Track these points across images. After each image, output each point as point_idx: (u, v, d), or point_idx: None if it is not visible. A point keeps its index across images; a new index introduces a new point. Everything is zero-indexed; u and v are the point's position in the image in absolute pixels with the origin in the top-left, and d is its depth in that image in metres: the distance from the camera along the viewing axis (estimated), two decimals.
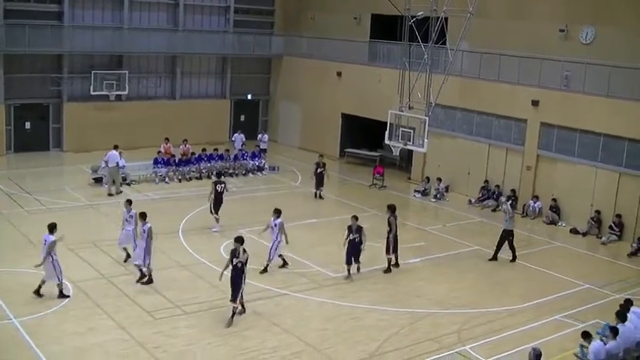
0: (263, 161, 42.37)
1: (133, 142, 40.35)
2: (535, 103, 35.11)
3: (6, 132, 42.60)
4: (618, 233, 32.05)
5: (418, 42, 33.09)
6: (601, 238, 32.33)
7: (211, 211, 30.61)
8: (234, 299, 21.16)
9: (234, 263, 21.11)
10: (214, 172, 36.59)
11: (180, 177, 38.68)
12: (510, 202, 31.17)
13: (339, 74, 46.90)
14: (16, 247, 26.50)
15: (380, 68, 43.17)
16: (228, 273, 21.36)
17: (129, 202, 25.70)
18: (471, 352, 20.19)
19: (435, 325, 22.08)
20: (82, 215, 31.77)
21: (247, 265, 21.31)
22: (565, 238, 32.54)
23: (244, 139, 43.94)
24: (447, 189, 38.85)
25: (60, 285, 22.16)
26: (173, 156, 39.51)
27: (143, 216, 23.84)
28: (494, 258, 28.80)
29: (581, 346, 18.65)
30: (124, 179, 37.08)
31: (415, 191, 39.36)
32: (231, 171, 40.76)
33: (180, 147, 40.25)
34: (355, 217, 25.72)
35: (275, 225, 25.68)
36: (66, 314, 21.19)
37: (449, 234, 32.04)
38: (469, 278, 26.58)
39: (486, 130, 38.09)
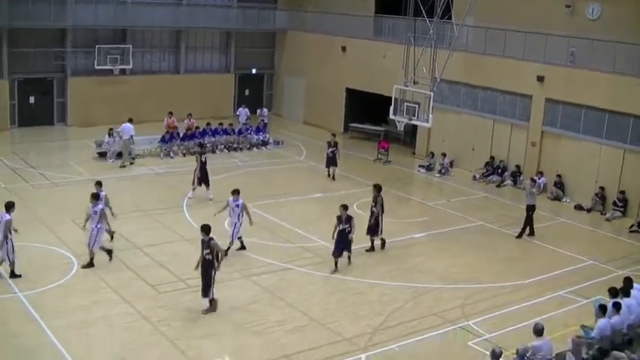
0: (267, 135, 42.34)
1: (137, 116, 40.18)
2: (540, 78, 34.99)
3: (10, 106, 42.56)
4: (622, 209, 32.02)
5: (423, 17, 33.02)
6: (605, 214, 32.31)
7: (194, 185, 31.20)
8: (204, 294, 20.08)
9: (203, 254, 20.00)
10: (197, 144, 36.81)
11: (184, 151, 38.66)
12: (533, 178, 31.06)
13: (343, 49, 46.74)
14: (22, 221, 26.46)
15: (385, 43, 42.99)
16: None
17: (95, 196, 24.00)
18: (474, 327, 20.25)
19: (438, 300, 22.14)
20: (86, 189, 31.45)
21: (220, 255, 20.28)
22: (569, 214, 32.53)
23: (249, 114, 43.90)
24: (451, 164, 38.81)
25: (12, 265, 21.61)
26: (176, 127, 39.44)
27: (95, 197, 23.51)
28: (532, 233, 28.85)
29: (583, 326, 18.70)
30: (129, 153, 37.10)
31: (420, 166, 39.35)
32: (235, 145, 40.76)
33: (185, 121, 40.24)
34: (344, 207, 24.06)
35: (237, 206, 24.33)
36: (70, 288, 21.27)
37: (453, 209, 32.05)
38: (473, 253, 26.60)
39: (491, 105, 37.99)
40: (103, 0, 44.50)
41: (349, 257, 24.34)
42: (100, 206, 23.11)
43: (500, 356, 15.69)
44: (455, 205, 32.84)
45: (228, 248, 24.21)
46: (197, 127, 40.01)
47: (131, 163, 36.34)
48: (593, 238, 30.00)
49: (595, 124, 33.45)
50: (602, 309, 18.20)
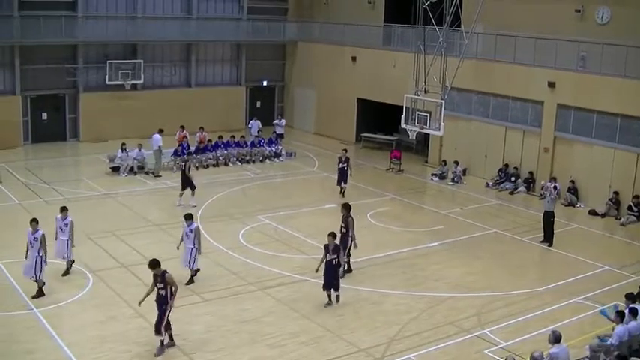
0: (280, 147, 42.37)
1: (149, 130, 40.39)
2: (551, 84, 34.91)
3: (23, 123, 42.79)
4: (637, 214, 31.86)
5: (433, 25, 33.06)
6: (620, 219, 32.15)
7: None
8: (157, 331, 18.47)
9: (157, 289, 18.50)
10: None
11: (197, 165, 38.72)
12: (555, 185, 30.91)
13: (353, 59, 46.81)
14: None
15: (395, 52, 43.06)
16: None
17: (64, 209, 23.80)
18: (490, 336, 20.18)
19: (454, 309, 22.06)
20: (99, 205, 31.90)
21: (174, 289, 18.50)
22: (583, 220, 32.41)
23: (260, 126, 43.97)
24: (464, 172, 38.75)
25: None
26: (186, 139, 39.40)
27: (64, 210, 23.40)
28: (549, 242, 28.62)
29: (598, 336, 18.62)
30: (142, 168, 37.23)
31: (432, 175, 39.28)
32: (248, 158, 40.82)
33: (197, 135, 40.32)
34: (332, 235, 22.05)
35: (190, 231, 22.85)
36: (86, 303, 21.32)
37: (467, 217, 31.98)
38: (487, 261, 26.53)
39: (502, 112, 37.92)
40: (113, 15, 44.82)
41: (337, 296, 22.06)
42: (41, 232, 21.75)
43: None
44: (468, 213, 32.77)
45: (192, 275, 23.11)
46: (209, 141, 40.06)
47: (156, 175, 37.03)
48: (608, 244, 29.87)
49: (607, 129, 33.34)
50: (620, 315, 18.13)
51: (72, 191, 33.41)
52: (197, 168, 38.33)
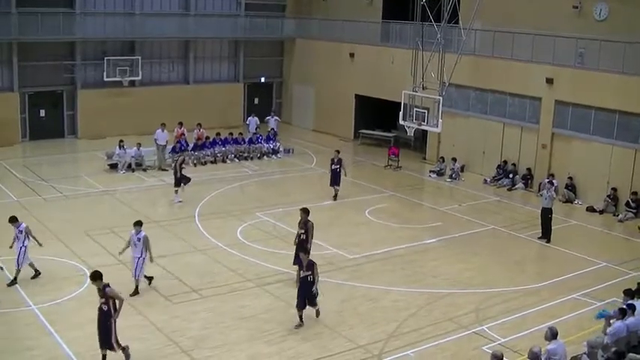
0: (277, 144, 42.37)
1: (147, 127, 40.39)
2: (549, 80, 34.92)
3: (21, 120, 42.75)
4: (635, 211, 31.87)
5: (431, 22, 33.03)
6: (618, 215, 32.19)
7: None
8: (110, 347, 17.49)
9: (100, 303, 17.49)
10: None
11: (195, 161, 38.74)
12: (551, 181, 30.92)
13: (351, 55, 46.79)
14: (34, 234, 26.57)
15: (393, 48, 43.08)
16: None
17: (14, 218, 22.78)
18: (488, 332, 20.20)
19: (452, 305, 22.09)
20: (97, 201, 31.90)
21: (119, 303, 17.51)
22: (581, 216, 32.44)
23: (258, 123, 43.92)
24: (462, 169, 38.76)
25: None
26: (184, 135, 39.52)
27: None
28: (547, 239, 28.61)
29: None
30: (139, 165, 37.23)
31: (430, 171, 39.29)
32: (246, 154, 40.82)
33: (195, 131, 40.29)
34: (307, 252, 21.34)
35: (138, 239, 21.63)
36: (84, 300, 21.24)
37: (465, 214, 32.00)
38: (486, 258, 26.55)
39: (500, 109, 37.93)
40: (112, 12, 44.79)
41: (317, 311, 20.72)
42: (23, 225, 22.51)
43: (502, 358, 15.62)
44: (467, 209, 32.79)
45: (137, 286, 21.89)
46: (207, 137, 40.05)
47: (162, 169, 37.55)
48: (606, 240, 29.89)
49: (605, 125, 33.36)
50: (621, 312, 18.17)
51: (70, 188, 33.39)
52: (195, 165, 38.38)
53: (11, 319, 19.82)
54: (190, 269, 24.04)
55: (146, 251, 21.69)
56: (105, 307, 17.32)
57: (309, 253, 21.74)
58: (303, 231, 23.19)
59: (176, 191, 32.06)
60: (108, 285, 17.40)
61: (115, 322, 17.41)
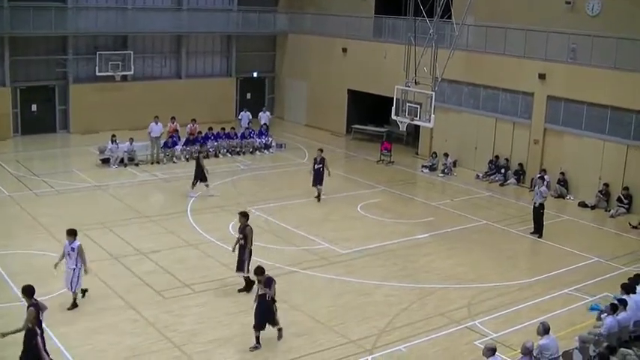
0: (270, 139, 42.33)
1: (139, 122, 40.34)
2: (542, 76, 34.94)
3: (13, 115, 42.59)
4: (627, 206, 31.96)
5: (423, 17, 33.01)
6: (609, 211, 32.25)
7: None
8: None
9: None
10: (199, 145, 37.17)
11: (187, 156, 38.69)
12: (542, 176, 30.95)
13: (344, 50, 46.76)
14: (26, 229, 26.59)
15: (385, 44, 43.05)
16: None
17: None
18: (480, 327, 20.24)
19: (444, 300, 22.12)
20: (90, 196, 31.84)
21: (42, 323, 16.46)
22: (573, 212, 32.50)
23: (250, 117, 43.88)
24: (454, 164, 38.79)
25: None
26: (176, 131, 39.57)
27: None
28: (539, 234, 28.69)
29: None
30: (132, 159, 37.17)
31: (423, 166, 39.31)
32: (238, 149, 40.79)
33: (188, 126, 40.22)
34: (260, 270, 18.98)
35: (72, 249, 20.27)
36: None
37: (457, 209, 32.03)
38: (477, 253, 26.59)
39: (493, 104, 37.96)
40: (104, 7, 44.67)
41: (279, 331, 19.27)
42: None
43: (495, 350, 15.66)
44: (459, 204, 32.82)
45: (74, 299, 20.61)
46: (199, 132, 39.99)
47: (155, 162, 37.75)
48: (598, 235, 29.95)
49: (597, 121, 33.41)
50: (613, 308, 18.23)
51: (62, 183, 33.32)
52: (187, 159, 38.30)
53: (3, 314, 19.74)
54: (182, 264, 24.01)
55: (81, 262, 20.31)
56: (30, 325, 16.11)
57: (249, 259, 21.76)
58: (241, 236, 22.02)
59: (193, 186, 32.09)
60: (35, 302, 16.30)
61: (41, 341, 16.23)
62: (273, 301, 18.94)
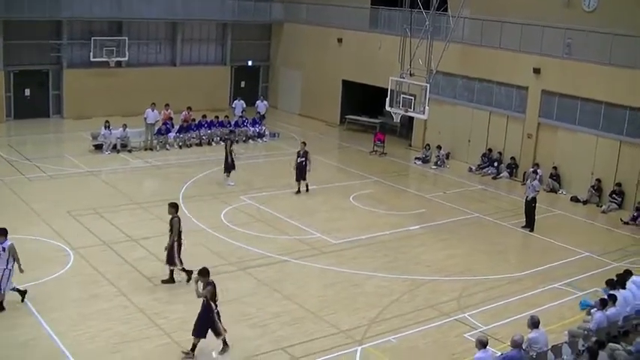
0: (263, 128, 42.29)
1: (133, 108, 40.26)
2: (536, 70, 34.97)
3: (6, 99, 42.44)
4: (619, 201, 32.03)
5: (419, 9, 32.99)
6: (601, 206, 32.32)
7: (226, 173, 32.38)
8: None
9: None
10: (228, 132, 37.27)
11: (180, 143, 38.65)
12: (538, 176, 30.99)
13: (339, 41, 46.71)
14: (18, 214, 26.51)
15: (381, 35, 42.98)
16: None
17: None
18: (470, 319, 20.29)
19: (434, 292, 22.16)
20: (82, 182, 31.78)
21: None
22: (565, 206, 32.56)
23: (244, 106, 43.87)
24: (447, 156, 38.81)
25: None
26: (171, 119, 39.49)
27: None
28: (531, 228, 28.74)
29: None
30: (125, 146, 37.09)
31: (416, 158, 39.33)
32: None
33: (183, 113, 40.13)
34: (204, 272, 17.70)
35: (3, 249, 19.04)
36: (67, 281, 21.28)
37: (449, 201, 32.06)
38: (469, 245, 26.62)
39: (487, 97, 37.98)
40: None
41: (223, 342, 17.88)
42: None
43: (487, 344, 15.71)
44: (451, 197, 32.84)
45: (1, 303, 19.32)
46: (193, 120, 39.93)
47: (148, 149, 37.86)
48: (589, 230, 30.00)
49: (591, 116, 33.45)
50: (602, 303, 18.29)
51: (54, 168, 33.26)
52: (180, 147, 38.34)
53: None
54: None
55: (14, 261, 19.19)
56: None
57: (179, 251, 21.21)
58: (170, 227, 21.36)
59: (227, 175, 32.21)
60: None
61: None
62: (213, 306, 17.44)
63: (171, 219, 21.33)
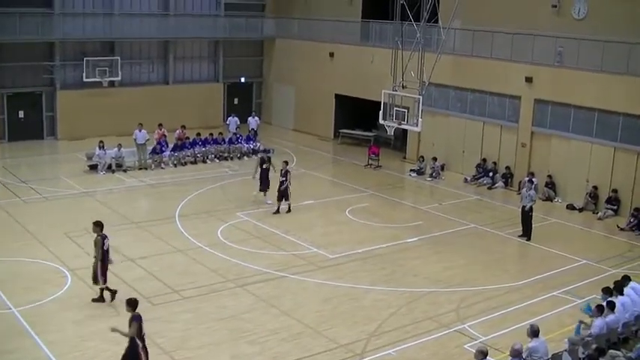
0: (257, 144, 42.30)
1: (127, 128, 40.21)
2: (529, 79, 35.06)
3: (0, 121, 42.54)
4: (615, 208, 32.06)
5: (410, 21, 33.03)
6: (597, 213, 32.34)
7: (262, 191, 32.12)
8: None
9: None
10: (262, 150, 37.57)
11: (175, 162, 38.64)
12: (530, 179, 31.07)
13: (331, 55, 46.80)
14: (14, 236, 26.47)
15: (372, 48, 43.08)
16: None
17: None
18: (469, 330, 20.26)
19: (433, 304, 22.13)
20: (78, 203, 31.71)
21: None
22: (561, 214, 32.58)
23: (238, 123, 43.93)
24: (442, 167, 38.82)
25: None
26: (164, 136, 39.40)
27: None
28: (527, 237, 28.75)
29: (580, 322, 18.71)
30: (120, 166, 37.07)
31: (411, 170, 39.35)
32: (226, 154, 40.73)
33: (177, 132, 40.11)
34: (131, 303, 17.05)
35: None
36: (65, 302, 21.20)
37: (445, 212, 32.06)
38: (466, 256, 26.60)
39: (480, 107, 38.06)
40: (91, 12, 44.64)
41: None
42: None
43: (487, 354, 15.69)
44: (447, 208, 32.85)
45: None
46: (187, 138, 39.94)
47: (142, 168, 37.75)
48: (586, 238, 30.00)
49: (585, 124, 33.51)
50: (599, 309, 18.27)
51: (50, 189, 33.19)
52: (175, 165, 38.30)
53: None
54: (171, 270, 23.95)
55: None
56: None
57: (102, 270, 20.92)
58: (97, 244, 21.07)
59: (264, 194, 32.04)
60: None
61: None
62: (139, 342, 16.43)
63: (96, 237, 21.03)
